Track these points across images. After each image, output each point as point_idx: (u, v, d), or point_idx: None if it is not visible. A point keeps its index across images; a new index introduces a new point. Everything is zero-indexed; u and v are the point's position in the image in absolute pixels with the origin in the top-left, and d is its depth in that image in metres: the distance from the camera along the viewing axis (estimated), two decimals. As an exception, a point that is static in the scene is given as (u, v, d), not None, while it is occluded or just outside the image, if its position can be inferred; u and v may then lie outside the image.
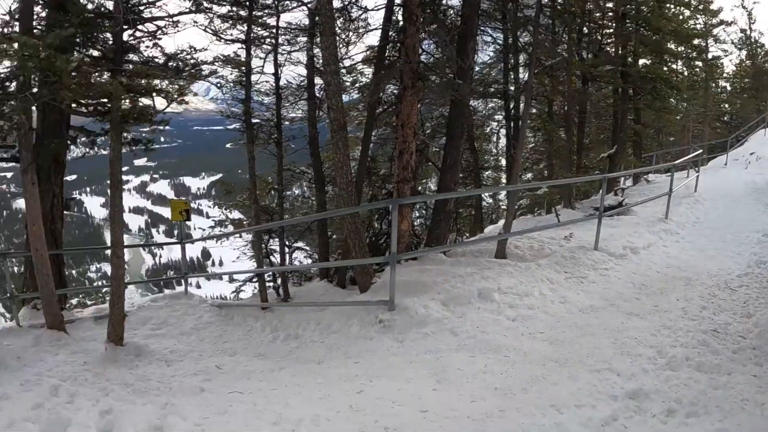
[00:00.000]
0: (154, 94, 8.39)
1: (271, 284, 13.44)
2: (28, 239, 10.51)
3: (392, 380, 6.83)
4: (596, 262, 10.78)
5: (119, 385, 7.38)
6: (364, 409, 6.09)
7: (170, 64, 8.65)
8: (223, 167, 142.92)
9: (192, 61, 9.01)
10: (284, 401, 6.42)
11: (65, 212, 12.14)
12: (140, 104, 8.52)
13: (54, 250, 10.70)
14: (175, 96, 8.05)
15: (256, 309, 11.19)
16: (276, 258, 14.25)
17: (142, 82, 8.39)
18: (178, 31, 9.60)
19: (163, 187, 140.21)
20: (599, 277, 10.26)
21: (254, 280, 14.00)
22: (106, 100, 8.62)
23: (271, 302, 11.43)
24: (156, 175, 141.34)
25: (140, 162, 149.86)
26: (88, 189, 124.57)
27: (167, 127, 8.86)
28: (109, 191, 8.87)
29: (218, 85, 12.59)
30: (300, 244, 15.65)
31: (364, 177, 12.97)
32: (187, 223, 12.62)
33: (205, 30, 12.25)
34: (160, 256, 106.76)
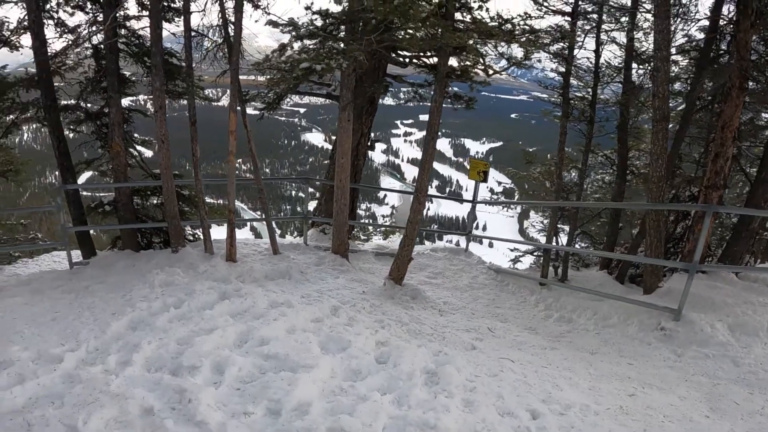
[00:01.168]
0: (482, 55, 8.70)
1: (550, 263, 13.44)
2: (333, 169, 11.60)
3: (664, 393, 6.59)
4: None
5: (395, 322, 7.91)
6: (633, 414, 5.93)
7: (504, 27, 8.82)
8: (504, 136, 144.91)
9: (525, 27, 9.11)
10: (554, 382, 6.45)
11: (368, 152, 13.19)
12: (467, 62, 8.91)
13: (353, 184, 11.65)
14: (519, 59, 8.25)
15: (532, 282, 11.24)
16: (561, 238, 14.17)
17: (470, 42, 8.72)
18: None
19: (443, 145, 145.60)
20: None
21: (535, 253, 14.09)
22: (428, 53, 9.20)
23: (549, 279, 11.44)
24: (439, 132, 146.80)
25: (425, 117, 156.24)
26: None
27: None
28: (421, 142, 9.48)
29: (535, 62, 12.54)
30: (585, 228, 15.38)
31: (669, 174, 12.37)
32: (482, 184, 12.92)
33: (528, -3, 12.32)
34: (428, 209, 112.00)
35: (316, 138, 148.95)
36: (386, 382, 5.72)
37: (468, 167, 13.04)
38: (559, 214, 13.72)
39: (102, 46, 11.59)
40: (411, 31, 8.92)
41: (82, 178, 15.47)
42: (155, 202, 12.49)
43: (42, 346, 6.82)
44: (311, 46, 9.42)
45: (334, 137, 12.57)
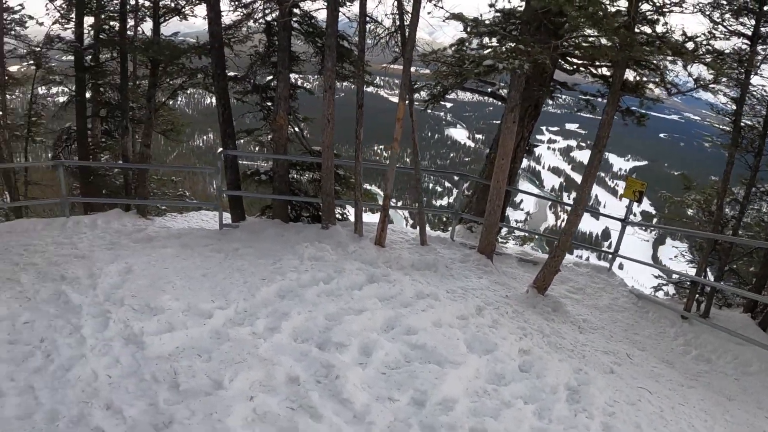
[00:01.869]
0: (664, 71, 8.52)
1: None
2: (489, 168, 11.70)
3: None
4: None
5: (537, 332, 7.91)
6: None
7: (687, 44, 8.59)
8: (650, 155, 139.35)
9: (708, 47, 8.85)
10: (689, 421, 6.30)
11: (524, 155, 13.18)
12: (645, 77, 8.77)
13: (508, 186, 11.64)
14: (706, 81, 8.06)
15: (673, 313, 10.86)
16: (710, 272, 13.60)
17: (653, 56, 8.54)
18: (682, 11, 9.44)
19: (586, 156, 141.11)
20: None
21: (686, 284, 13.63)
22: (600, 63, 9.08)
23: (691, 314, 11.10)
24: (583, 144, 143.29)
25: (571, 126, 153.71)
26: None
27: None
28: (587, 154, 9.35)
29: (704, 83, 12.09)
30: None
31: None
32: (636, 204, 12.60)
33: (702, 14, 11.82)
34: (562, 220, 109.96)
35: (459, 134, 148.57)
36: (529, 392, 5.76)
37: (624, 185, 12.74)
38: (713, 247, 13.16)
39: (275, 23, 12.16)
40: (592, 40, 8.90)
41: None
42: (309, 177, 12.98)
43: (192, 299, 7.29)
44: (492, 44, 9.54)
45: (478, 135, 12.60)
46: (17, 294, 7.54)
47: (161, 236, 10.99)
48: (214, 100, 13.50)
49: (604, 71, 9.92)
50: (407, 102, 10.32)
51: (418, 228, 11.37)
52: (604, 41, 8.67)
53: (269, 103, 12.86)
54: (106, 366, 5.64)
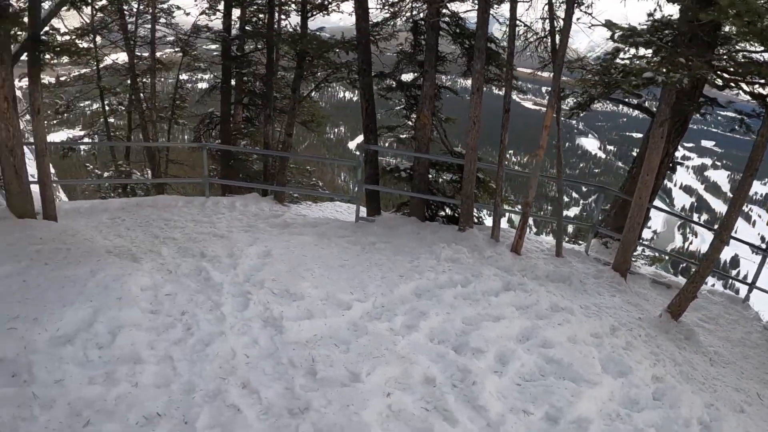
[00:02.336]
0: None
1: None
2: (632, 183, 11.47)
3: None
4: None
5: (669, 359, 7.63)
6: None
7: None
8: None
9: None
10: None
11: (669, 173, 12.82)
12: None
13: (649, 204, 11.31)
14: None
15: (809, 356, 10.30)
16: None
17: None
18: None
19: (720, 177, 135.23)
20: None
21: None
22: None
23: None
24: (718, 163, 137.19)
25: (707, 143, 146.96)
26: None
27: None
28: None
29: None
30: None
31: None
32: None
33: None
34: (690, 242, 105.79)
35: (590, 144, 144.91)
36: (661, 422, 5.64)
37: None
38: None
39: (423, 22, 12.37)
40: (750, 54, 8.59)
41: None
42: (448, 178, 13.14)
43: (331, 288, 7.50)
44: (646, 55, 9.36)
45: (609, 146, 12.34)
46: (159, 266, 7.99)
47: (298, 223, 11.40)
48: (347, 94, 14.16)
49: (758, 89, 9.51)
50: (555, 109, 10.25)
51: (553, 238, 11.28)
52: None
53: (413, 102, 13.11)
54: (244, 345, 5.91)
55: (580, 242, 13.47)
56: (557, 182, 10.99)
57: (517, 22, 10.81)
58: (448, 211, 13.06)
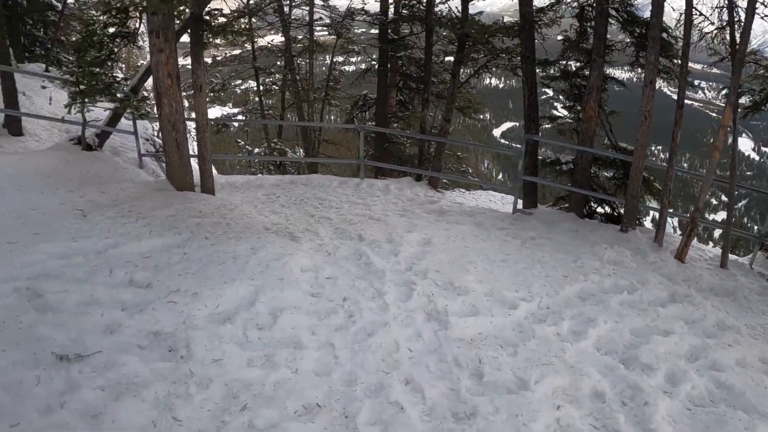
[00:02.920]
0: None
1: None
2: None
3: None
4: None
5: None
6: None
7: None
8: None
9: None
10: None
11: None
12: None
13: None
14: None
15: None
16: None
17: None
18: None
19: None
20: None
21: None
22: None
23: None
24: None
25: None
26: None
27: None
28: None
29: None
30: None
31: None
32: None
33: None
34: None
35: (743, 144, 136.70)
36: None
37: None
38: None
39: (590, 8, 11.96)
40: None
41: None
42: (609, 175, 12.74)
43: (495, 284, 7.40)
44: None
45: (764, 148, 11.52)
46: (317, 247, 8.14)
47: (454, 211, 11.31)
48: (493, 80, 13.82)
49: None
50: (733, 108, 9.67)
51: (718, 247, 10.65)
52: None
53: (577, 92, 12.73)
54: (407, 338, 5.90)
55: (741, 253, 12.60)
56: (729, 187, 10.38)
57: (693, 11, 10.25)
58: (607, 209, 12.60)
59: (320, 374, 5.13)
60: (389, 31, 16.97)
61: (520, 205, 12.24)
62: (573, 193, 12.11)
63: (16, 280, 5.66)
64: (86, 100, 10.60)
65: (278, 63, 22.36)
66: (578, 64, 13.03)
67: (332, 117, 42.13)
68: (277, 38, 22.79)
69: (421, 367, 5.45)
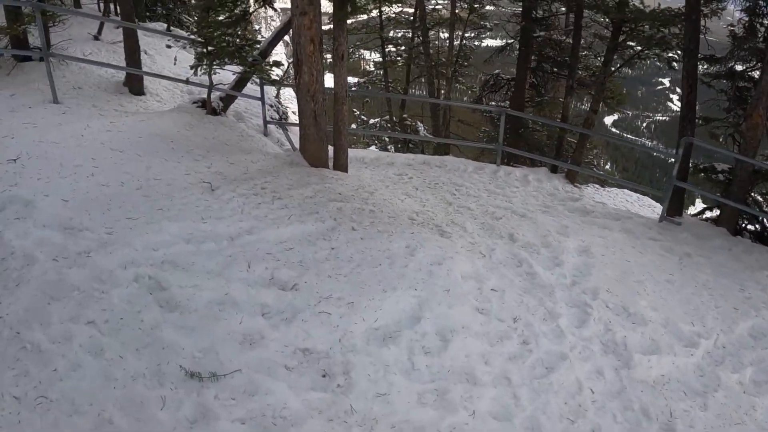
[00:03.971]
0: None
1: None
2: None
3: None
4: None
5: None
6: None
7: None
8: None
9: None
10: None
11: None
12: None
13: None
14: None
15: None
16: None
17: None
18: None
19: None
20: None
21: None
22: None
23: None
24: None
25: None
26: None
27: None
28: None
29: None
30: None
31: None
32: None
33: None
34: None
35: None
36: None
37: None
38: None
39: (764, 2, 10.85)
40: None
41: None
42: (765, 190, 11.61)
43: (669, 313, 6.56)
44: None
45: None
46: (469, 245, 7.25)
47: (598, 212, 10.22)
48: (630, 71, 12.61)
49: None
50: None
51: None
52: None
53: (738, 95, 11.59)
54: (587, 375, 5.18)
55: None
56: None
57: None
58: (757, 226, 11.47)
59: (499, 418, 4.49)
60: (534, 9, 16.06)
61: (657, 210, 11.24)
62: (726, 206, 11.02)
63: (137, 265, 5.10)
64: (214, 62, 10.13)
65: (407, 34, 21.88)
66: (745, 64, 11.85)
67: (457, 95, 41.38)
68: (406, 9, 22.27)
69: (607, 416, 4.77)
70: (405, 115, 20.02)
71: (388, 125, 21.38)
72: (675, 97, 75.12)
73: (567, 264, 7.23)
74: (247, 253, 5.67)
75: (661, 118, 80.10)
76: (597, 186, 14.90)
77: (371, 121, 22.13)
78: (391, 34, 22.14)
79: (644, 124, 79.98)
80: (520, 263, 7.07)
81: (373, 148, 20.87)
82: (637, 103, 77.22)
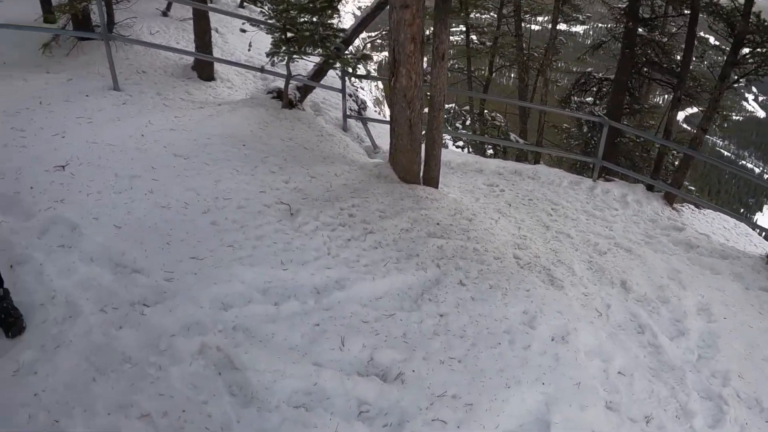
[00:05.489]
0: None
1: None
2: None
3: None
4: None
5: None
6: None
7: None
8: None
9: None
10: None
11: None
12: None
13: None
14: None
15: None
16: None
17: None
18: None
19: None
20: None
21: None
22: None
23: None
24: None
25: None
26: None
27: None
28: None
29: None
30: None
31: None
32: None
33: None
34: None
35: None
36: None
37: None
38: None
39: None
40: None
41: None
42: None
43: None
44: None
45: None
46: (583, 298, 5.94)
47: (703, 247, 8.67)
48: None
49: None
50: None
51: None
52: None
53: None
54: None
55: None
56: None
57: None
58: None
59: None
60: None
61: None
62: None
63: (203, 330, 4.09)
64: (293, 50, 9.06)
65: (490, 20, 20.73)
66: None
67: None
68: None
69: None
70: (493, 113, 18.79)
71: (466, 115, 20.27)
72: (750, 97, 72.75)
73: (692, 332, 5.95)
74: (338, 320, 4.50)
75: (735, 117, 77.59)
76: (693, 207, 13.49)
77: (446, 106, 21.05)
78: (471, 15, 20.74)
79: (716, 123, 77.57)
80: (642, 329, 5.78)
81: (446, 136, 19.73)
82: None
